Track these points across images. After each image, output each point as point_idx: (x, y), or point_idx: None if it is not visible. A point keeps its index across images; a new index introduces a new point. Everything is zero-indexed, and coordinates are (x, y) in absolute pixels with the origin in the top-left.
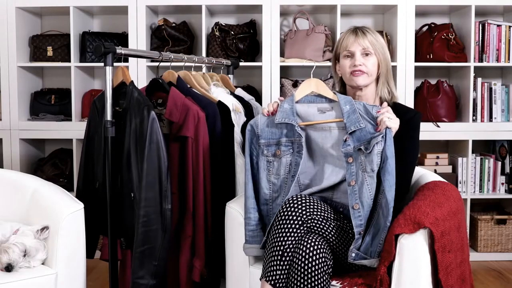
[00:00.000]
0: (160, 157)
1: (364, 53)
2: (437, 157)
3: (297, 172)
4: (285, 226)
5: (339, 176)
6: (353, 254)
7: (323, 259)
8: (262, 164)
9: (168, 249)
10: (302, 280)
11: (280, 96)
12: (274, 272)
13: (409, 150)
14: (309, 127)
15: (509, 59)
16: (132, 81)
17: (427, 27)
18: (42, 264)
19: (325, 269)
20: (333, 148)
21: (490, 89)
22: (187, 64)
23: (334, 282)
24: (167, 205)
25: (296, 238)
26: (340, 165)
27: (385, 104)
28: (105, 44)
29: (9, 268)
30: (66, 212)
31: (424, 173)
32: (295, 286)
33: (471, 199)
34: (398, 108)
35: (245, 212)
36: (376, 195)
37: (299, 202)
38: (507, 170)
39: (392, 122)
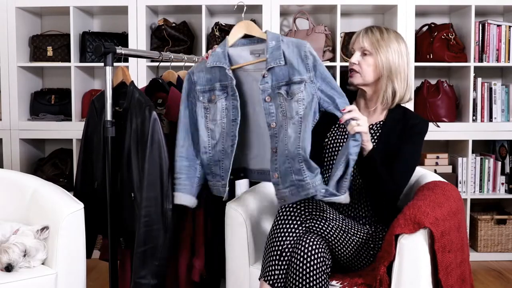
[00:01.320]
0: (162, 157)
1: (363, 52)
2: (437, 157)
3: (238, 115)
4: (284, 226)
5: (262, 118)
6: (280, 200)
7: (322, 259)
8: (199, 111)
9: (170, 248)
10: (300, 280)
11: None
12: (273, 272)
13: (408, 153)
14: (242, 70)
15: (509, 59)
16: (132, 81)
17: (427, 27)
18: (42, 264)
19: (323, 268)
20: (258, 90)
21: (490, 89)
22: (187, 64)
23: (334, 282)
24: (169, 205)
25: (295, 238)
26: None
27: (351, 106)
28: (105, 44)
29: (9, 268)
30: (66, 212)
31: (424, 173)
32: (293, 286)
33: (471, 199)
34: (406, 115)
35: (174, 160)
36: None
37: (298, 203)
38: (507, 170)
39: (361, 127)
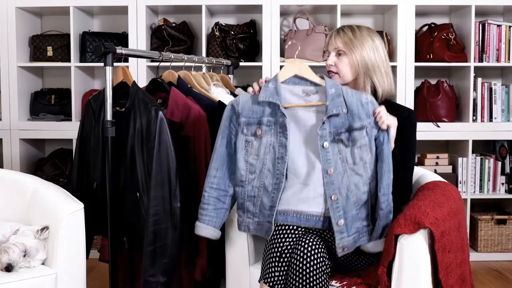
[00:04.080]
0: (169, 157)
1: (338, 53)
2: (437, 157)
3: (286, 153)
4: (283, 227)
5: (317, 162)
6: (340, 250)
7: (321, 259)
8: (240, 143)
9: (179, 247)
10: (300, 281)
11: None
12: (273, 274)
13: (405, 150)
14: (292, 109)
15: (509, 59)
16: (134, 81)
17: (427, 27)
18: (42, 264)
19: (323, 269)
20: (313, 132)
21: (490, 89)
22: (187, 64)
23: (333, 282)
24: (177, 204)
25: (294, 239)
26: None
27: (380, 107)
28: (105, 44)
29: (9, 268)
30: (66, 212)
31: (424, 173)
32: (293, 287)
33: (471, 199)
34: (391, 107)
35: (203, 189)
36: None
37: None
38: (507, 170)
39: (390, 120)
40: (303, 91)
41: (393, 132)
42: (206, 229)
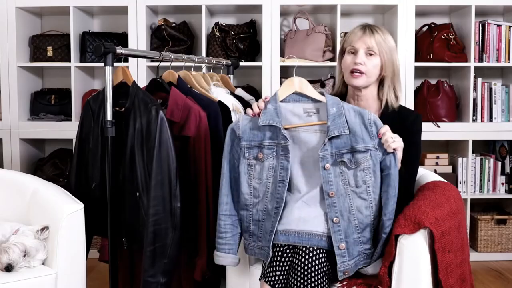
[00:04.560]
0: (169, 157)
1: (368, 52)
2: (437, 157)
3: (287, 176)
4: None
5: (319, 182)
6: (341, 273)
7: (323, 259)
8: (243, 167)
9: (179, 247)
10: (301, 281)
11: None
12: (274, 273)
13: (412, 155)
14: (293, 130)
15: (509, 59)
16: (134, 81)
17: (427, 27)
18: (42, 264)
19: (324, 269)
20: (314, 153)
21: (490, 89)
22: (187, 64)
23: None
24: (177, 204)
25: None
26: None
27: (384, 128)
28: (105, 44)
29: (9, 268)
30: (66, 212)
31: (424, 173)
32: (294, 287)
33: (471, 199)
34: (402, 112)
35: (217, 218)
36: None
37: None
38: (507, 170)
39: (397, 143)
40: (304, 110)
41: (399, 154)
42: (228, 258)
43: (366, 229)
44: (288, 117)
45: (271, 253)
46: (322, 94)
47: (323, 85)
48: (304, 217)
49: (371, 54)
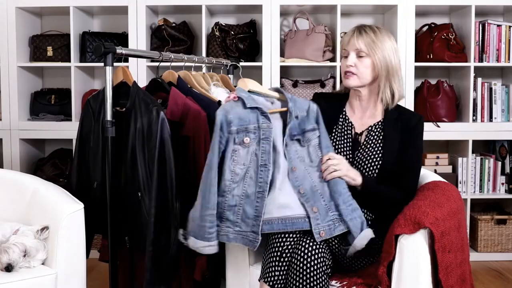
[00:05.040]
0: (170, 157)
1: (358, 54)
2: (437, 157)
3: (269, 160)
4: None
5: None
6: (317, 235)
7: (322, 259)
8: (228, 153)
9: (180, 246)
10: (300, 281)
11: None
12: (273, 273)
13: (413, 157)
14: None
15: (509, 59)
16: (135, 81)
17: (427, 27)
18: (42, 264)
19: (323, 269)
20: (280, 137)
21: (490, 89)
22: (187, 64)
23: (333, 282)
24: (178, 203)
25: (295, 239)
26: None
27: (328, 155)
28: (105, 44)
29: (9, 268)
30: (66, 212)
31: (424, 173)
32: (294, 287)
33: (471, 199)
34: (401, 113)
35: (207, 208)
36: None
37: None
38: (507, 170)
39: (339, 172)
40: (266, 100)
41: (347, 179)
42: (197, 243)
43: (330, 198)
44: (263, 104)
45: (259, 238)
46: (278, 90)
47: (323, 85)
48: (283, 203)
49: (361, 56)
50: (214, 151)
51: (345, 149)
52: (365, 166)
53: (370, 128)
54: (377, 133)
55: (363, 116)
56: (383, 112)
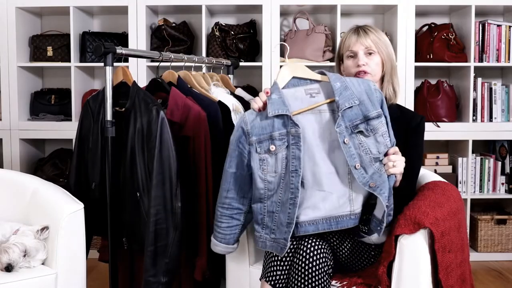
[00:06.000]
0: (170, 156)
1: (367, 52)
2: (437, 157)
3: (299, 166)
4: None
5: (338, 160)
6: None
7: (323, 259)
8: (255, 164)
9: (180, 246)
10: (302, 281)
11: None
12: (274, 273)
13: (414, 157)
14: (302, 115)
15: (509, 59)
16: (135, 81)
17: (427, 27)
18: (42, 264)
19: (325, 269)
20: (325, 133)
21: (490, 89)
22: (187, 64)
23: (333, 282)
24: (177, 203)
25: (297, 239)
26: (337, 149)
27: (393, 149)
28: (105, 44)
29: (9, 268)
30: (66, 212)
31: (424, 173)
32: (295, 287)
33: (471, 199)
34: (403, 112)
35: (216, 208)
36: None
37: None
38: (507, 170)
39: (396, 168)
40: (306, 92)
41: (398, 177)
42: (218, 247)
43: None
44: (292, 104)
45: (288, 244)
46: (322, 73)
47: None
48: (329, 205)
49: (370, 53)
50: (228, 159)
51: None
52: None
53: None
54: None
55: None
56: None
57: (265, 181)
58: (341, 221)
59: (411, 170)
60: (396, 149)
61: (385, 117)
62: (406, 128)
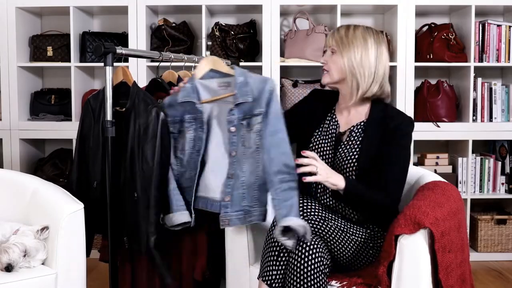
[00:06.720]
0: (169, 157)
1: (331, 51)
2: (437, 157)
3: (201, 146)
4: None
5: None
6: (222, 223)
7: (320, 259)
8: (171, 141)
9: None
10: (298, 280)
11: (280, 96)
12: (271, 272)
13: (392, 156)
14: (210, 103)
15: (509, 59)
16: (135, 82)
17: (427, 27)
18: (42, 264)
19: (321, 268)
20: (224, 122)
21: (490, 89)
22: (187, 64)
23: (333, 282)
24: None
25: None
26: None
27: (308, 153)
28: (105, 44)
29: (9, 268)
30: (66, 212)
31: (424, 173)
32: (291, 286)
33: (471, 199)
34: (387, 114)
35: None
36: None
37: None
38: (507, 170)
39: (319, 176)
40: (219, 85)
41: (328, 185)
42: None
43: (251, 187)
44: (204, 93)
45: (193, 215)
46: (232, 68)
47: (323, 85)
48: (211, 185)
49: (333, 53)
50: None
51: (327, 147)
52: (344, 166)
53: (352, 127)
54: (358, 133)
55: (349, 115)
56: (368, 112)
57: (177, 158)
58: (215, 205)
59: (389, 169)
60: (313, 154)
61: (269, 118)
62: (386, 128)
